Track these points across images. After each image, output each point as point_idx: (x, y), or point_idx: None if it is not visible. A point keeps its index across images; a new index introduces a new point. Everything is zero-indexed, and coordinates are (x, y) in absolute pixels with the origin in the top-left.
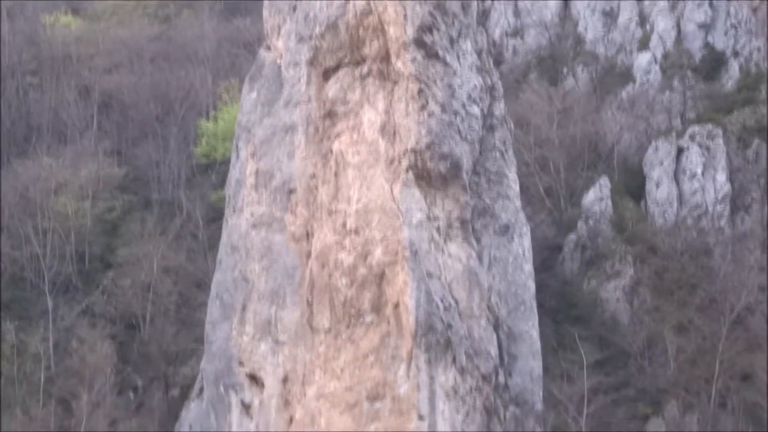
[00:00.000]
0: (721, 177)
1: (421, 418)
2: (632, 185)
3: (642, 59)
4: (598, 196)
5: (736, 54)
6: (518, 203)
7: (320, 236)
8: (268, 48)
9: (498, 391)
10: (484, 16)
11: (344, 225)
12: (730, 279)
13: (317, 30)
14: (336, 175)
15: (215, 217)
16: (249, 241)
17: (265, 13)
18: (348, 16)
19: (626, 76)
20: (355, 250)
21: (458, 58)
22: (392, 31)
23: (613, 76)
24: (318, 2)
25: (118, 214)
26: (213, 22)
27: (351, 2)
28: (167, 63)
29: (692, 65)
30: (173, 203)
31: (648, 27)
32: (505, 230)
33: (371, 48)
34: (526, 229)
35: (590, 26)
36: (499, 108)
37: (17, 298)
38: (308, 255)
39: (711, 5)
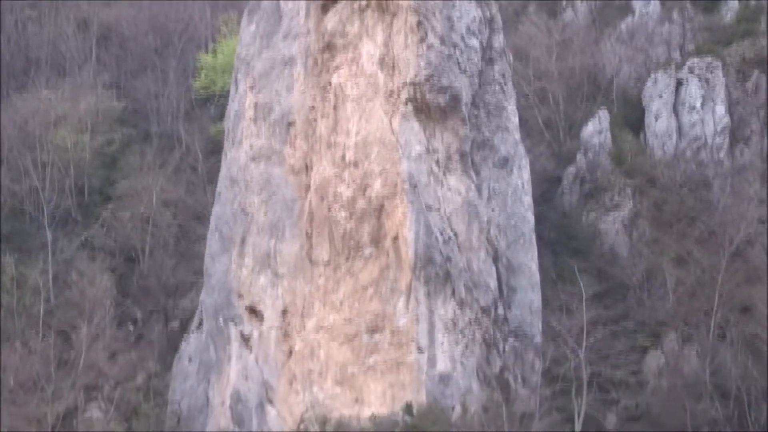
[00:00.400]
0: (720, 109)
1: (420, 350)
2: (631, 117)
3: None
4: (597, 129)
5: None
6: (517, 136)
7: (319, 169)
8: None
9: (497, 323)
10: None
11: (343, 158)
12: (729, 211)
13: None
14: (335, 107)
15: (214, 149)
16: (248, 173)
17: None
18: None
19: (625, 8)
20: (354, 182)
21: None
22: None
23: (612, 8)
24: None
25: (117, 147)
26: None
27: None
28: None
29: None
30: (172, 136)
31: None
32: (504, 163)
33: None
34: (525, 162)
35: None
36: (498, 40)
37: (17, 231)
38: (307, 188)
39: None
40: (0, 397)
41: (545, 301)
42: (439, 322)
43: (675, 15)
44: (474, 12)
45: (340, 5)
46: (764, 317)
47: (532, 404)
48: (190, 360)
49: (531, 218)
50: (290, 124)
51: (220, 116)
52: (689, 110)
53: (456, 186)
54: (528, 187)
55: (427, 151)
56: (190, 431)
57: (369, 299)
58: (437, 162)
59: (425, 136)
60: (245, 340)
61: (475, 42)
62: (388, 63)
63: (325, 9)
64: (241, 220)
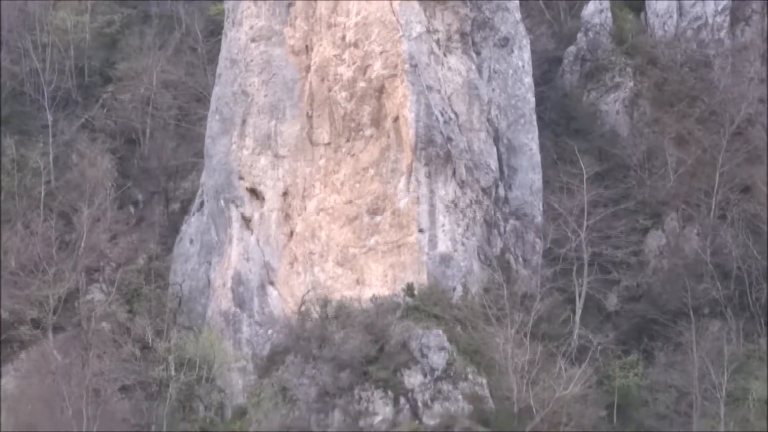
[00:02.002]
0: None
1: (421, 231)
2: None
3: None
4: (598, 8)
5: None
6: (518, 15)
7: (319, 50)
8: None
9: (498, 204)
10: None
11: (343, 38)
12: (729, 90)
13: None
14: None
15: (214, 30)
16: (248, 54)
17: None
18: None
19: None
20: (354, 63)
21: None
22: None
23: None
24: None
25: (117, 28)
26: None
27: None
28: None
29: None
30: (172, 17)
31: None
32: (505, 43)
33: None
34: (525, 42)
35: None
36: None
37: (17, 113)
38: (307, 68)
39: None
40: (1, 281)
41: (546, 182)
42: (440, 203)
43: None
44: None
45: None
46: (765, 197)
47: (533, 285)
48: (191, 242)
49: (532, 99)
50: (290, 5)
51: None
52: None
53: (456, 66)
54: (528, 68)
55: (428, 31)
56: (191, 313)
57: (370, 180)
58: (438, 42)
59: (425, 16)
60: (246, 221)
61: None
62: None
63: None
64: (242, 101)
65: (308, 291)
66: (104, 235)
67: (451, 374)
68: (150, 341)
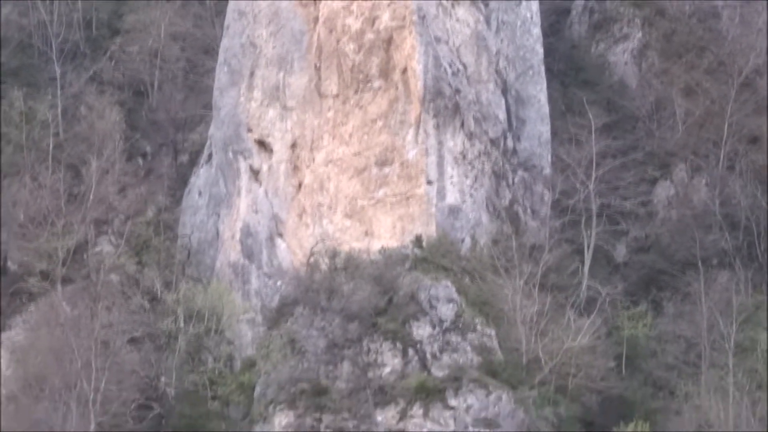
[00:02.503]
0: None
1: (429, 182)
2: None
3: None
4: None
5: None
6: None
7: (327, 1)
8: None
9: (506, 155)
10: None
11: None
12: (738, 41)
13: None
14: None
15: None
16: (256, 6)
17: None
18: None
19: None
20: (362, 15)
21: None
22: None
23: None
24: None
25: None
26: None
27: None
28: None
29: None
30: None
31: None
32: None
33: None
34: None
35: None
36: None
37: (25, 66)
38: (316, 20)
39: None
40: (10, 233)
41: (554, 133)
42: (449, 155)
43: None
44: None
45: None
46: None
47: (542, 236)
48: (199, 193)
49: (540, 50)
50: None
51: None
52: None
53: (465, 17)
54: (537, 19)
55: None
56: (200, 264)
57: (378, 132)
58: None
59: None
60: (255, 173)
61: None
62: None
63: None
64: (250, 53)
65: (317, 243)
66: (113, 187)
67: (460, 326)
68: (159, 293)
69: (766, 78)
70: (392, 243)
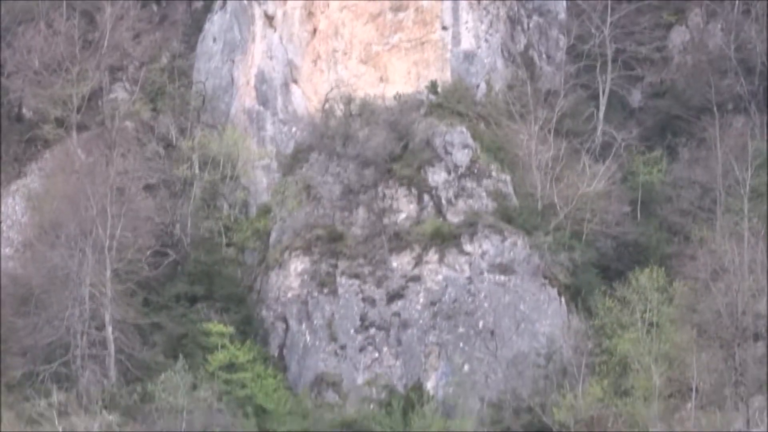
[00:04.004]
0: None
1: (444, 28)
2: None
3: None
4: None
5: None
6: None
7: None
8: None
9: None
10: None
11: None
12: None
13: None
14: None
15: None
16: None
17: None
18: None
19: None
20: None
21: None
22: None
23: None
24: None
25: None
26: None
27: None
28: None
29: None
30: None
31: None
32: None
33: None
34: None
35: None
36: None
37: None
38: None
39: None
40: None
41: None
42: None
43: None
44: None
45: None
46: None
47: (557, 81)
48: (214, 40)
49: None
50: None
51: None
52: None
53: None
54: None
55: None
56: (214, 111)
57: None
58: None
59: None
60: (269, 19)
61: None
62: None
63: None
64: None
65: (332, 89)
66: (127, 34)
67: (475, 171)
68: (174, 139)
69: None
70: (407, 89)
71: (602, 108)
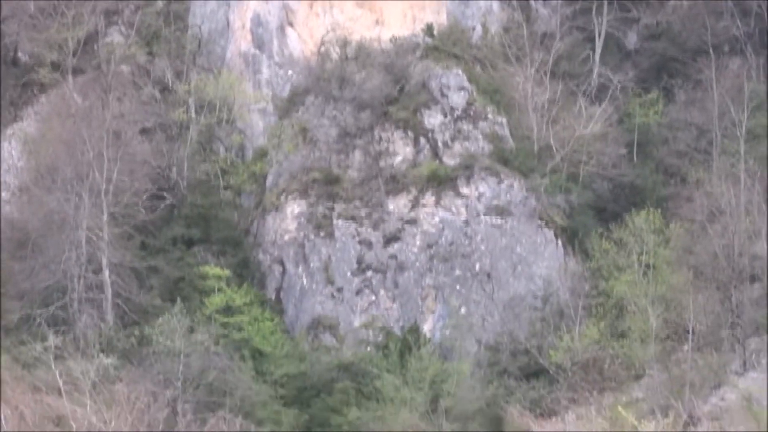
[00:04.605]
0: None
1: None
2: None
3: None
4: None
5: None
6: None
7: None
8: None
9: None
10: None
11: None
12: None
13: None
14: None
15: None
16: None
17: None
18: None
19: None
20: None
21: None
22: None
23: None
24: None
25: None
26: None
27: None
28: None
29: None
30: None
31: None
32: None
33: None
34: None
35: None
36: None
37: None
38: None
39: None
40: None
41: None
42: None
43: None
44: None
45: None
46: None
47: (553, 24)
48: None
49: None
50: None
51: None
52: None
53: None
54: None
55: None
56: (210, 54)
57: None
58: None
59: None
60: None
61: None
62: None
63: None
64: None
65: (327, 32)
66: None
67: (471, 114)
68: (170, 83)
69: None
70: (403, 32)
71: (598, 50)
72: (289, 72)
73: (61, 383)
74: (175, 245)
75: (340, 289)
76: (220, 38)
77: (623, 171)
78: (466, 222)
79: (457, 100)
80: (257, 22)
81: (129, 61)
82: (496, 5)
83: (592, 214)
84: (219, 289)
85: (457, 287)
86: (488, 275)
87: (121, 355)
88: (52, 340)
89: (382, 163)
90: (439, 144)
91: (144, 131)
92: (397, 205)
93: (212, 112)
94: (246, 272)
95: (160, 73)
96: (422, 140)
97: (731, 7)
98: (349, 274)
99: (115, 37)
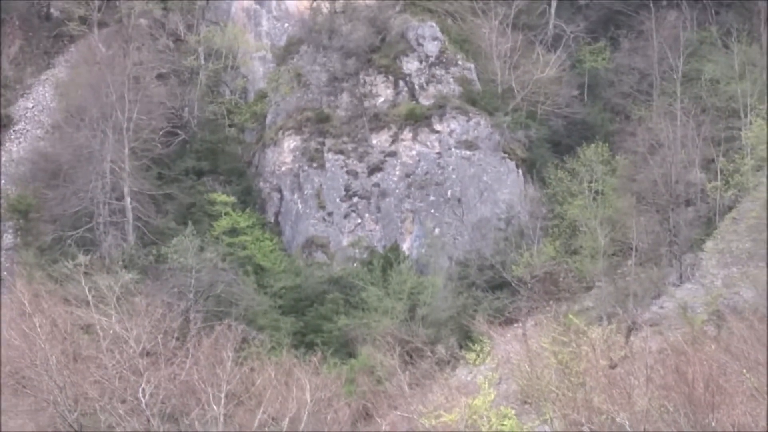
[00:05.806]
0: None
1: None
2: None
3: None
4: None
5: None
6: None
7: None
8: None
9: None
10: None
11: None
12: None
13: None
14: None
15: None
16: None
17: None
18: None
19: None
20: None
21: None
22: None
23: None
24: None
25: None
26: None
27: None
28: None
29: None
30: None
31: None
32: None
33: None
34: None
35: None
36: None
37: None
38: None
39: None
40: None
41: None
42: None
43: None
44: None
45: None
46: None
47: None
48: None
49: None
50: None
51: None
52: None
53: None
54: None
55: None
56: (217, 9)
57: None
58: None
59: None
60: None
61: None
62: None
63: None
64: None
65: None
66: None
67: (444, 60)
68: (182, 34)
69: None
70: None
71: (554, 4)
72: (286, 24)
73: (89, 296)
74: (187, 175)
75: (330, 213)
76: None
77: (575, 110)
78: (439, 154)
79: (431, 48)
80: None
81: (146, 15)
82: None
83: (549, 147)
84: (225, 214)
85: (432, 211)
86: (459, 200)
87: (140, 271)
88: (81, 258)
89: (366, 104)
90: (416, 87)
91: (160, 76)
92: (380, 140)
93: (219, 59)
94: (249, 199)
95: (174, 26)
96: (401, 83)
97: None
98: (338, 200)
99: None
